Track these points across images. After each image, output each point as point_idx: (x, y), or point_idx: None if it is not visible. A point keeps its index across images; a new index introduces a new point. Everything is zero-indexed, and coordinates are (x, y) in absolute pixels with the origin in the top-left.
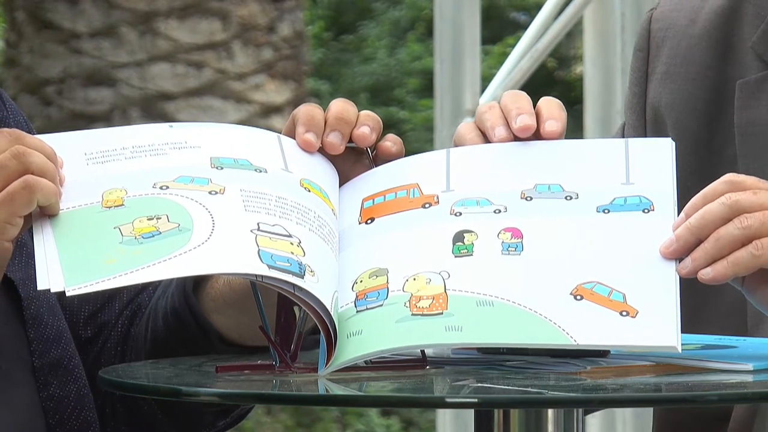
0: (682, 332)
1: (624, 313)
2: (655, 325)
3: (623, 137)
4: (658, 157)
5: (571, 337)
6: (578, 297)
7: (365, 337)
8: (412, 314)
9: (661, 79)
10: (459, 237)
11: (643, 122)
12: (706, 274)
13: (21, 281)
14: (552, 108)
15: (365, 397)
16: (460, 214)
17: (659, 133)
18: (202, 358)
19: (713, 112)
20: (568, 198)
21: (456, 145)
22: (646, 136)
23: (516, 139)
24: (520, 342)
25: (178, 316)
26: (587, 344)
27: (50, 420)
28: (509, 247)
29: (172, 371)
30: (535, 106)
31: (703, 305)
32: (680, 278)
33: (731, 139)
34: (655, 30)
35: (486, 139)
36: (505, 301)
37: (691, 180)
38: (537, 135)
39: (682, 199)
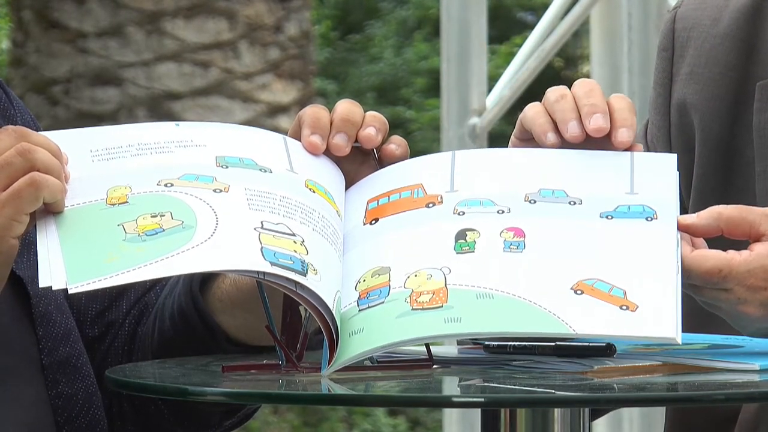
0: (692, 332)
1: (624, 308)
2: (655, 318)
3: (646, 136)
4: (662, 171)
5: (570, 327)
6: (578, 291)
7: (366, 334)
8: (413, 309)
9: (686, 79)
10: (461, 235)
11: (668, 123)
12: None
13: (30, 279)
14: (625, 113)
15: (372, 397)
16: (464, 213)
17: (685, 133)
18: (208, 357)
19: (735, 113)
20: (572, 203)
21: (523, 126)
22: (671, 136)
23: (585, 138)
24: (518, 330)
25: (185, 316)
26: (585, 333)
27: (58, 418)
28: (511, 245)
29: (178, 371)
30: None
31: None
32: (681, 283)
33: (751, 141)
34: (679, 29)
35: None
36: (504, 294)
37: (712, 181)
38: (595, 138)
39: (700, 204)
